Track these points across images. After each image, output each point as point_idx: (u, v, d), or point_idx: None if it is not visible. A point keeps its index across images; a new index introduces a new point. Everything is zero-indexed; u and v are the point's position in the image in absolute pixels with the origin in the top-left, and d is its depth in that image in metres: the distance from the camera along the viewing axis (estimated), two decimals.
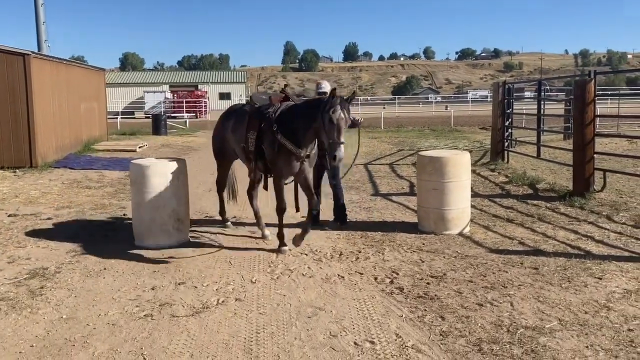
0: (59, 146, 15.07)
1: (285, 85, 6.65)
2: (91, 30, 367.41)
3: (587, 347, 3.80)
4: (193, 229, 7.12)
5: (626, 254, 5.89)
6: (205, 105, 43.63)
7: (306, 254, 6.14)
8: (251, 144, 6.28)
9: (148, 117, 31.72)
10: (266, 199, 7.74)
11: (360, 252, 6.20)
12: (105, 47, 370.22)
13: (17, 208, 8.74)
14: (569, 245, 6.26)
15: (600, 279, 5.12)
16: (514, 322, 4.22)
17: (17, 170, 12.65)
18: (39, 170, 12.81)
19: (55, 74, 15.26)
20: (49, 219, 8.02)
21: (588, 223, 7.22)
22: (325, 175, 7.38)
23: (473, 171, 10.50)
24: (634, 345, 3.81)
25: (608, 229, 6.87)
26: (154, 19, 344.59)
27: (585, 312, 4.38)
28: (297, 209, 6.63)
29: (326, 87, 7.37)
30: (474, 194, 8.82)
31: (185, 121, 32.42)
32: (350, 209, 8.13)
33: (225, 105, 50.48)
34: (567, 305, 4.52)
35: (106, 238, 6.93)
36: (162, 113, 30.55)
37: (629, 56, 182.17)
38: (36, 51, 15.49)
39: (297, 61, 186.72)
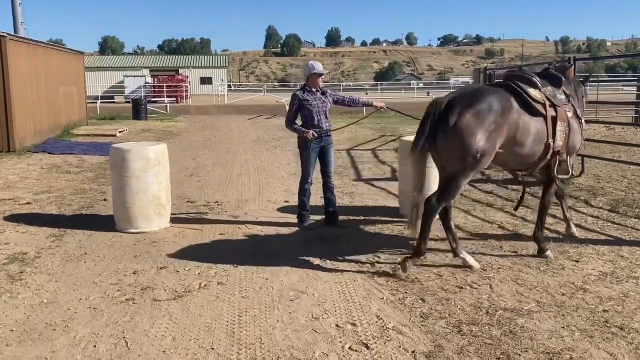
0: (38, 130, 14.84)
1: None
2: (69, 12, 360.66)
3: (563, 327, 3.89)
4: (174, 213, 7.09)
5: (602, 237, 6.01)
6: (186, 90, 43.19)
7: (289, 238, 6.16)
8: (561, 138, 5.05)
9: (128, 102, 31.34)
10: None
11: (342, 236, 6.23)
12: (84, 30, 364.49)
13: None
14: (547, 229, 6.35)
15: (577, 261, 5.23)
16: (493, 304, 4.30)
17: None
18: (17, 155, 12.62)
19: (33, 57, 14.97)
20: (27, 203, 7.92)
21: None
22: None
23: None
24: (608, 325, 3.91)
25: (585, 213, 6.99)
26: (134, 1, 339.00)
27: (562, 294, 4.47)
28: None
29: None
30: None
31: (166, 106, 32.09)
32: None
33: (208, 90, 49.56)
34: (545, 288, 4.61)
35: (86, 223, 6.87)
36: (143, 98, 30.19)
37: (608, 43, 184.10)
38: (12, 33, 15.15)
39: (279, 46, 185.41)
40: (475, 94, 4.88)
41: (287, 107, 6.45)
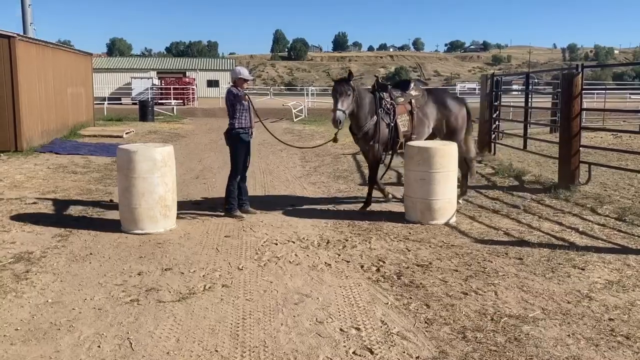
0: (45, 131, 14.90)
1: None
2: (78, 14, 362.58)
3: (569, 335, 3.86)
4: (180, 215, 7.10)
5: (609, 245, 5.98)
6: (193, 93, 43.28)
7: (293, 242, 6.15)
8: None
9: (135, 104, 31.42)
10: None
11: (347, 240, 6.22)
12: (92, 32, 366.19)
13: (1, 192, 8.65)
14: (553, 236, 6.33)
15: (583, 269, 5.20)
16: (498, 311, 4.28)
17: (2, 155, 12.49)
18: (24, 155, 12.68)
19: (42, 58, 15.05)
20: (34, 203, 7.95)
21: (572, 215, 7.30)
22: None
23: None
24: (614, 334, 3.88)
25: (592, 221, 6.96)
26: (142, 3, 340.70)
27: (568, 302, 4.45)
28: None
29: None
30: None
31: (173, 108, 32.17)
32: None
33: (214, 93, 49.52)
34: (550, 295, 4.59)
35: (92, 223, 6.89)
36: (150, 99, 30.26)
37: (616, 51, 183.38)
38: (21, 34, 15.25)
39: (287, 50, 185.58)
40: None
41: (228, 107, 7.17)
